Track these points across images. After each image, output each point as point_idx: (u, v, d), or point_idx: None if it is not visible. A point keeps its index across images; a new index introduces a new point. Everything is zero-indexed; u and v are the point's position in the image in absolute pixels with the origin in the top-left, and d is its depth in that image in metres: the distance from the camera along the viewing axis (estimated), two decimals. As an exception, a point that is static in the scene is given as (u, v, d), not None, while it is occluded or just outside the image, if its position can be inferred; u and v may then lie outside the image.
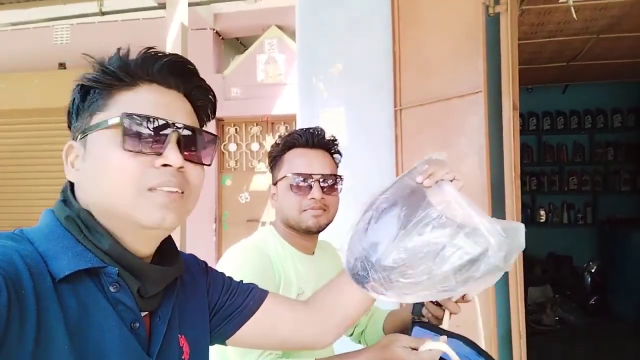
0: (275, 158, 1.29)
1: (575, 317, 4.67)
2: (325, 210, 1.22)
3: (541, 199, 5.81)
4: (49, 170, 4.67)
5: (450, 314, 1.09)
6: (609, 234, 5.10)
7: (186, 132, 0.68)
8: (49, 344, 0.55)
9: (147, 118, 0.64)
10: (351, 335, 1.43)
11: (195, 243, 4.09)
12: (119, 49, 0.67)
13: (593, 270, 5.12)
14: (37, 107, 4.77)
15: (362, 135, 2.39)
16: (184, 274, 0.79)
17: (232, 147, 4.78)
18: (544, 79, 5.22)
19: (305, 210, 1.21)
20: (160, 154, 0.64)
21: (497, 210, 1.96)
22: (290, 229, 1.25)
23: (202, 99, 0.75)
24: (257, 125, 4.76)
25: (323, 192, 1.21)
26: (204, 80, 0.75)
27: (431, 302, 1.13)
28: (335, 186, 1.25)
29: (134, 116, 0.63)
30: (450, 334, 1.02)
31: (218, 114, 4.36)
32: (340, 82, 2.46)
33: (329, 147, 1.28)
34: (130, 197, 0.63)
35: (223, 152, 4.80)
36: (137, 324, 0.65)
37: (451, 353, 0.92)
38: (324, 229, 1.26)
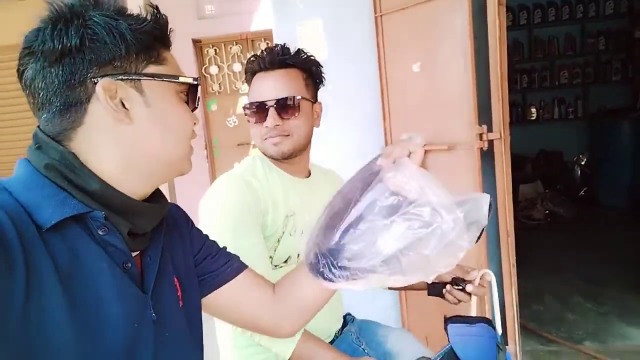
0: (249, 90, 1.24)
1: (565, 209, 4.84)
2: (287, 135, 1.17)
3: (532, 96, 5.75)
4: (9, 112, 4.37)
5: (478, 297, 1.12)
6: (599, 125, 5.12)
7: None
8: (41, 292, 0.56)
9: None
10: None
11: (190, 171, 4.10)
12: (155, 10, 0.68)
13: (583, 163, 5.22)
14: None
15: (343, 47, 2.29)
16: (169, 219, 0.79)
17: (214, 69, 4.61)
18: (534, -32, 4.95)
19: (266, 139, 1.17)
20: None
21: (483, 115, 1.94)
22: (267, 156, 1.22)
23: None
24: (236, 44, 4.55)
25: (281, 117, 1.15)
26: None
27: (455, 287, 1.14)
28: (294, 109, 1.16)
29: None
30: (479, 320, 1.03)
31: (195, 36, 4.11)
32: (315, -9, 2.31)
33: (289, 63, 1.18)
34: (186, 147, 0.72)
35: (205, 76, 4.63)
36: (129, 264, 0.66)
37: None
38: (294, 155, 1.20)
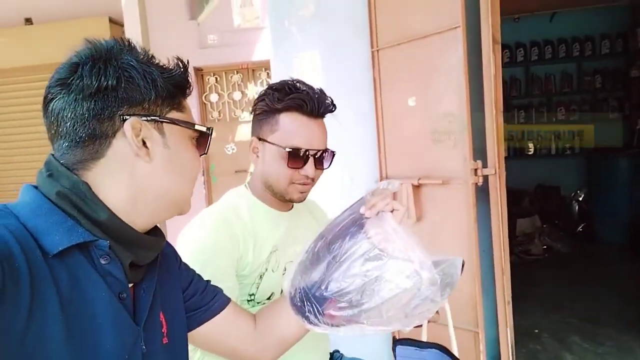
0: (268, 112, 1.14)
1: (563, 245, 4.80)
2: (312, 182, 1.17)
3: (529, 131, 5.79)
4: (18, 132, 4.47)
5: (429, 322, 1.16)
6: (596, 161, 5.14)
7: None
8: (42, 318, 0.57)
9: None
10: None
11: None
12: (180, 62, 0.73)
13: (581, 199, 5.21)
14: (3, 68, 4.45)
15: (339, 80, 2.31)
16: (160, 255, 0.80)
17: (214, 97, 4.66)
18: (531, 7, 5.06)
19: (293, 184, 1.14)
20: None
21: (479, 150, 1.94)
22: (271, 194, 1.19)
23: None
24: (237, 73, 4.61)
25: (316, 167, 1.15)
26: None
27: None
28: (327, 161, 1.18)
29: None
30: (430, 345, 1.07)
31: (196, 64, 4.14)
32: (313, 24, 2.34)
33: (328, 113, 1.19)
34: (192, 189, 0.77)
35: (205, 103, 4.68)
36: (125, 295, 0.68)
37: None
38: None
